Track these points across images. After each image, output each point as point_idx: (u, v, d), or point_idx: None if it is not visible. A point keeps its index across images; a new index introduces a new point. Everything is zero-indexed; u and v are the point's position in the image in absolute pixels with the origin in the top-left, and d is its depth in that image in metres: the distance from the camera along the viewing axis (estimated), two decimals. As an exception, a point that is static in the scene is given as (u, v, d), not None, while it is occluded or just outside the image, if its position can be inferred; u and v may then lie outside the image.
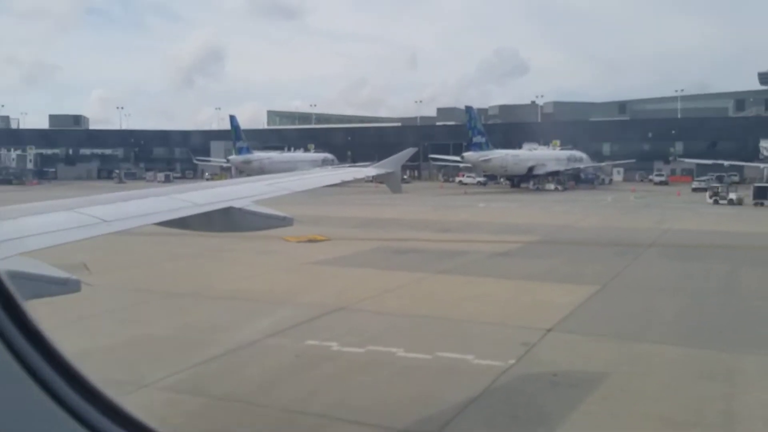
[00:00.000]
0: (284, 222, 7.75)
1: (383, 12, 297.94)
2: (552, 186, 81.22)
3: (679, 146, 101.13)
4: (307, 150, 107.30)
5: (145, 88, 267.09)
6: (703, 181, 77.73)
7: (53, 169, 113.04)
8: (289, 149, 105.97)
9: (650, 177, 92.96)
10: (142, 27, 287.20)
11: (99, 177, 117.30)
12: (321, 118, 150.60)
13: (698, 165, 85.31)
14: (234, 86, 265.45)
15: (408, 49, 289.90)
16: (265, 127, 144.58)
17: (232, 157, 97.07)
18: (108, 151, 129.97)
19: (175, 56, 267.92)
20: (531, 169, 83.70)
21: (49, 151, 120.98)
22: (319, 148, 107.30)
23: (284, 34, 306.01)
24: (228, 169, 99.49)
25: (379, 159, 13.84)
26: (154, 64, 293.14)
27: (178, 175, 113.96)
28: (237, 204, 7.45)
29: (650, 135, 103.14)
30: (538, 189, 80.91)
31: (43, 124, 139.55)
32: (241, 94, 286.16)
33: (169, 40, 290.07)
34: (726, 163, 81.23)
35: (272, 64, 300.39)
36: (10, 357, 1.51)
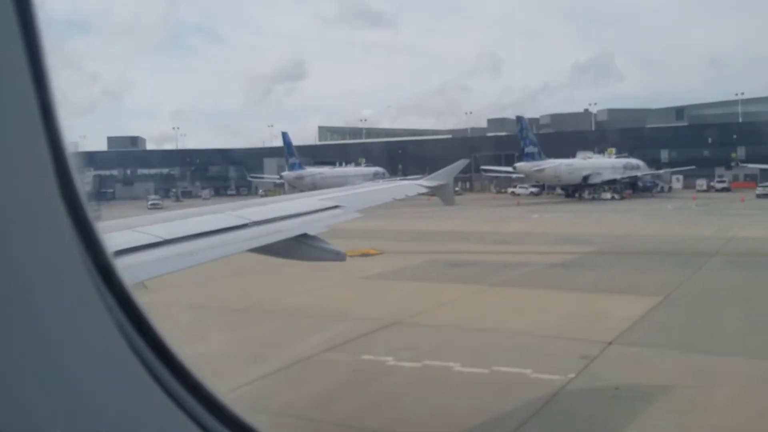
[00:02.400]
0: (338, 257, 7.78)
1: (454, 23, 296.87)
2: (608, 195, 79.52)
3: (741, 151, 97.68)
4: (358, 164, 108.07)
5: (219, 107, 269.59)
6: (768, 186, 74.91)
7: (111, 190, 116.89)
8: (340, 164, 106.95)
9: (711, 183, 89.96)
10: (220, 39, 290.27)
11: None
12: (371, 132, 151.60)
13: (762, 170, 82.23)
14: (307, 101, 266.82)
15: (480, 57, 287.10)
16: (317, 142, 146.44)
17: (285, 173, 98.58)
18: (165, 171, 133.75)
19: (251, 73, 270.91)
20: (586, 178, 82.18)
21: (107, 172, 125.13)
22: (370, 162, 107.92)
23: (358, 50, 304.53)
24: (281, 185, 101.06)
25: (431, 172, 13.79)
26: (231, 81, 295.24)
27: (233, 192, 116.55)
28: (312, 231, 7.51)
29: (710, 140, 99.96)
30: (594, 198, 79.33)
31: (102, 146, 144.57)
32: (310, 109, 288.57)
33: (238, 56, 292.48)
34: (792, 167, 78.14)
35: (347, 78, 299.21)
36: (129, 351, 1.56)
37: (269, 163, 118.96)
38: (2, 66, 1.34)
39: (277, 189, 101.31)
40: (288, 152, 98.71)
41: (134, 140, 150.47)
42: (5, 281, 1.31)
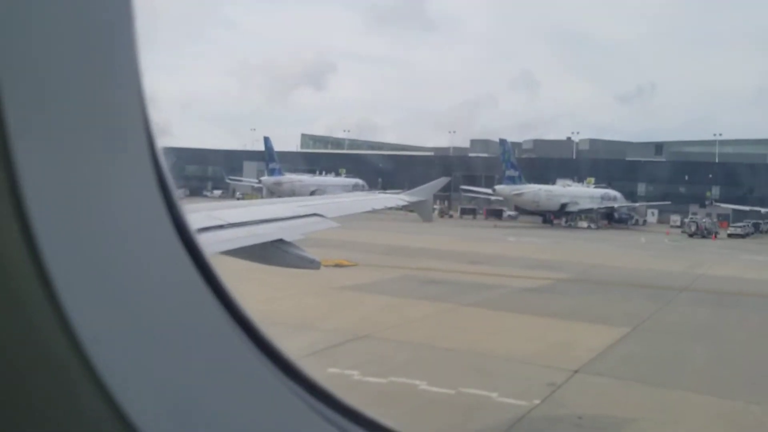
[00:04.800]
0: (312, 264, 7.67)
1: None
2: (585, 224, 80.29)
3: (715, 191, 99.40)
4: (338, 174, 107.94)
5: (224, 102, 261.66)
6: (740, 227, 76.14)
7: None
8: (320, 173, 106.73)
9: (685, 220, 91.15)
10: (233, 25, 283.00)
11: None
12: (354, 144, 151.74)
13: (735, 210, 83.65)
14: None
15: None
16: (299, 150, 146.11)
17: (264, 177, 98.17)
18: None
19: (271, 72, 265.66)
20: (564, 205, 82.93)
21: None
22: (351, 173, 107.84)
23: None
24: (259, 189, 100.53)
25: (410, 187, 13.77)
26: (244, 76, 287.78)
27: (210, 192, 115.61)
28: (288, 237, 7.37)
29: (686, 178, 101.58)
30: (570, 226, 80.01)
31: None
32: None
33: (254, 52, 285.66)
34: (763, 210, 79.57)
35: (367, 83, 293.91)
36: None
37: (249, 166, 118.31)
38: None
39: (255, 193, 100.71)
40: (269, 157, 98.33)
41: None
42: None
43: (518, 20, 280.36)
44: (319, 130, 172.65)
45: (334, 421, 1.75)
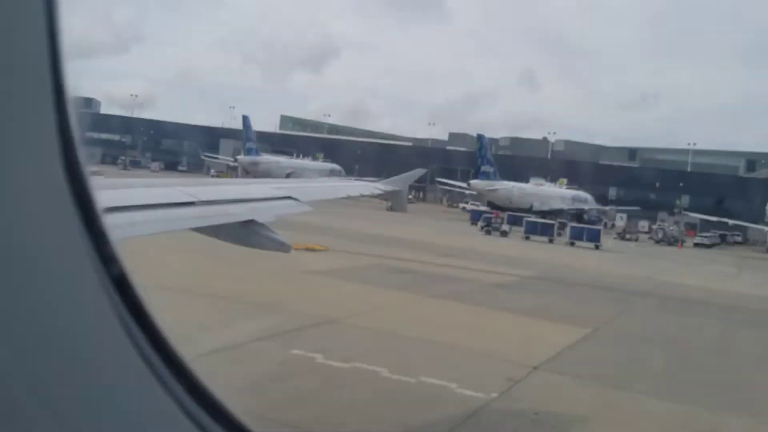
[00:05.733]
0: (283, 247, 7.67)
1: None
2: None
3: (685, 199, 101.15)
4: (315, 158, 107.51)
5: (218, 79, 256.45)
6: (706, 237, 77.63)
7: None
8: (298, 156, 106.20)
9: (653, 227, 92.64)
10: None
11: (103, 162, 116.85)
12: (333, 129, 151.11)
13: (702, 220, 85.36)
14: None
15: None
16: (278, 131, 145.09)
17: (240, 157, 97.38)
18: (116, 137, 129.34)
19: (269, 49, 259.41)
20: (534, 204, 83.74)
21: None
22: (329, 158, 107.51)
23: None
24: (234, 168, 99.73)
25: (387, 176, 13.83)
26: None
27: (185, 168, 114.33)
28: (260, 218, 7.35)
29: (657, 185, 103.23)
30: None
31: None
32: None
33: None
34: (731, 222, 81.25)
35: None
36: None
37: (226, 144, 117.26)
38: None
39: (230, 172, 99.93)
40: (246, 136, 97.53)
41: (89, 102, 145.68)
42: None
43: (514, 20, 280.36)
44: (309, 114, 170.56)
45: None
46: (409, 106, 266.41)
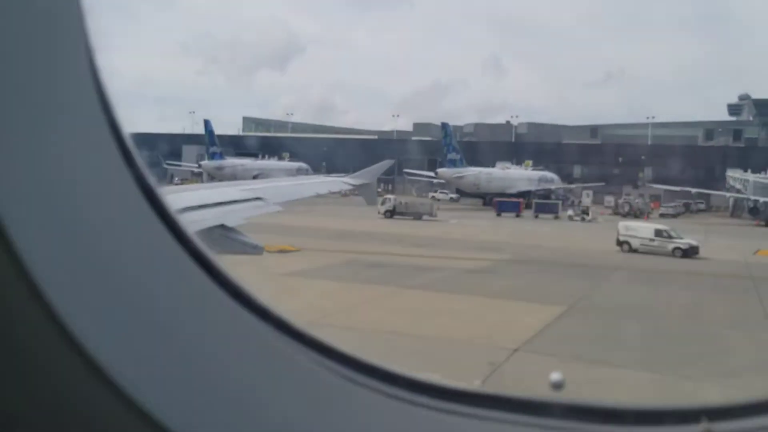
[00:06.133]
0: (255, 250, 7.58)
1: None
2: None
3: (648, 172, 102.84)
4: (281, 158, 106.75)
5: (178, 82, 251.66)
6: (671, 207, 79.10)
7: None
8: (263, 157, 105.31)
9: (619, 201, 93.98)
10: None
11: None
12: (297, 127, 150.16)
13: (666, 191, 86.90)
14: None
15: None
16: (241, 133, 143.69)
17: (205, 162, 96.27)
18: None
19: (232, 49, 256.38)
20: (503, 188, 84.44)
21: None
22: (295, 157, 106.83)
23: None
24: (199, 174, 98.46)
25: (355, 171, 13.79)
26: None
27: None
28: (229, 222, 7.24)
29: (620, 160, 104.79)
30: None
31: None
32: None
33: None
34: (693, 190, 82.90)
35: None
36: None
37: (189, 150, 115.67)
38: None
39: (195, 178, 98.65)
40: (209, 141, 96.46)
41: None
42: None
43: (474, 5, 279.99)
44: (273, 114, 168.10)
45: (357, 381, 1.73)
46: (375, 99, 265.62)
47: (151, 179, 1.54)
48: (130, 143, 1.50)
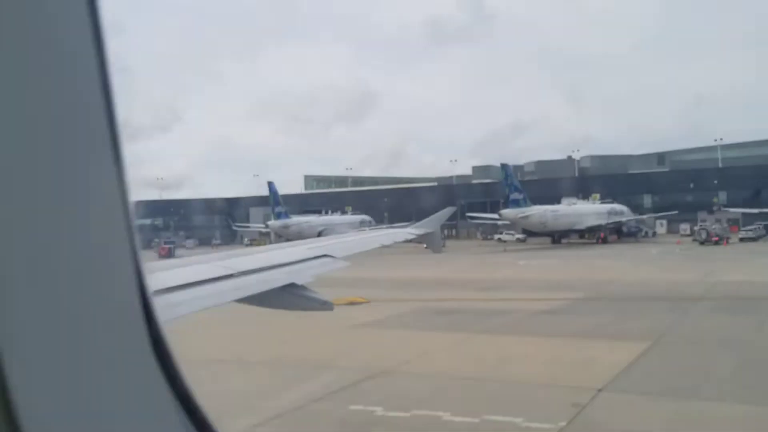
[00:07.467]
0: (325, 306, 7.70)
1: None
2: (594, 240, 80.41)
3: (722, 196, 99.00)
4: (344, 212, 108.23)
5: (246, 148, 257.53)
6: (751, 230, 75.70)
7: None
8: (326, 212, 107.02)
9: (695, 228, 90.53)
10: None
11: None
12: (356, 180, 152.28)
13: (744, 214, 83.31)
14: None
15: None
16: (303, 191, 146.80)
17: (271, 222, 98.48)
18: (147, 221, 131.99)
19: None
20: (572, 224, 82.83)
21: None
22: (357, 210, 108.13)
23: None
24: (267, 234, 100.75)
25: (417, 219, 13.84)
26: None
27: (218, 241, 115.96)
28: (299, 280, 7.43)
29: (692, 186, 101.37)
30: (581, 243, 79.82)
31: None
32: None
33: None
34: (773, 211, 79.22)
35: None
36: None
37: (256, 212, 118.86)
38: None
39: (263, 238, 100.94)
40: (274, 201, 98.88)
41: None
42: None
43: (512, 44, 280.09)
44: (333, 170, 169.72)
45: None
46: (433, 147, 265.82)
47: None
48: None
